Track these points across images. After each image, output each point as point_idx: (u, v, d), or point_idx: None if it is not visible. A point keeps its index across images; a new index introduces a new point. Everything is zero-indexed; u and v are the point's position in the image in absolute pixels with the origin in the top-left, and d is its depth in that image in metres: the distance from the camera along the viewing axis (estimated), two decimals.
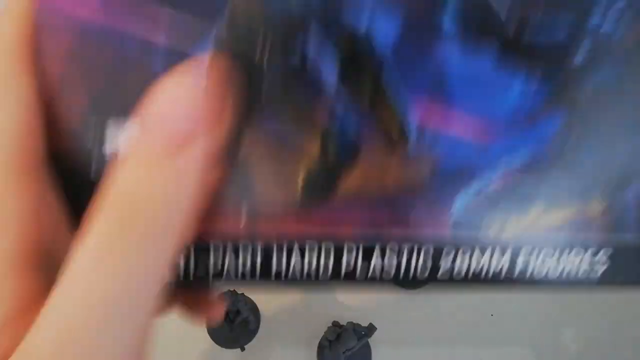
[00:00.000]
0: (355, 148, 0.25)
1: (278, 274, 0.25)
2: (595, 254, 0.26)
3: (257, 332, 0.45)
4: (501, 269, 0.26)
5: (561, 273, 0.27)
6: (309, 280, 0.26)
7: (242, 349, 0.44)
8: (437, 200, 0.26)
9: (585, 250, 0.26)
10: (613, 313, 0.47)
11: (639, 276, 0.27)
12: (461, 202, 0.26)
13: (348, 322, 0.42)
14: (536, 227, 0.26)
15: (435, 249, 0.26)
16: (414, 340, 0.45)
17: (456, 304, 0.47)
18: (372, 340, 0.44)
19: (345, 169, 0.25)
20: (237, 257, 0.25)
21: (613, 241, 0.26)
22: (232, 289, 0.42)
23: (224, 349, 0.44)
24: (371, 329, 0.42)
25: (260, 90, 0.25)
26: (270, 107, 0.25)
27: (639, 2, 0.25)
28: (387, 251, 0.26)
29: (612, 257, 0.26)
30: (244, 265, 0.25)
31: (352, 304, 0.45)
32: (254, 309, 0.46)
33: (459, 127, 0.26)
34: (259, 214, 0.25)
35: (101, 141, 0.24)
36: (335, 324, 0.42)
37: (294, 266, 0.25)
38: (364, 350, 0.44)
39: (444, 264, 0.26)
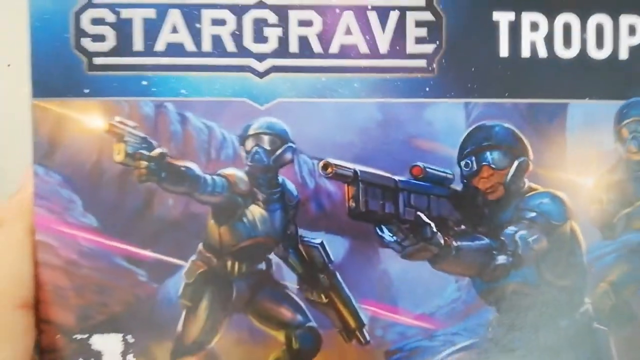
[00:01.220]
0: (317, 337, 0.30)
1: None
2: None
3: None
4: None
5: None
6: None
7: None
8: None
9: None
10: None
11: None
12: None
13: None
14: None
15: None
16: None
17: None
18: None
19: (309, 356, 0.30)
20: None
21: None
22: None
23: None
24: None
25: (232, 294, 0.30)
26: (241, 305, 0.30)
27: (543, 220, 0.29)
28: None
29: None
30: None
31: None
32: None
33: (406, 320, 0.30)
34: None
35: (88, 351, 0.29)
36: None
37: None
38: None
39: None
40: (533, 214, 0.30)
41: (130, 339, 0.29)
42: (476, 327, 0.30)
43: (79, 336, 0.29)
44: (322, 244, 0.30)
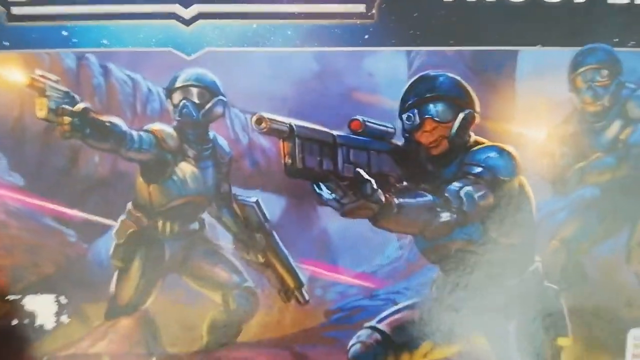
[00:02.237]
0: (254, 298, 0.29)
1: None
2: None
3: None
4: None
5: None
6: None
7: None
8: (333, 340, 0.29)
9: None
10: None
11: None
12: (355, 341, 0.29)
13: None
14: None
15: None
16: None
17: None
18: None
19: (246, 316, 0.29)
20: None
21: None
22: None
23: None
24: None
25: (164, 255, 0.29)
26: (175, 266, 0.29)
27: (490, 175, 0.28)
28: None
29: None
30: None
31: None
32: None
33: (346, 279, 0.29)
34: (166, 358, 0.29)
35: (20, 309, 0.29)
36: None
37: None
38: None
39: None
40: (479, 169, 0.29)
41: (63, 299, 0.29)
42: (419, 286, 0.29)
43: (11, 297, 0.28)
44: (257, 202, 0.28)
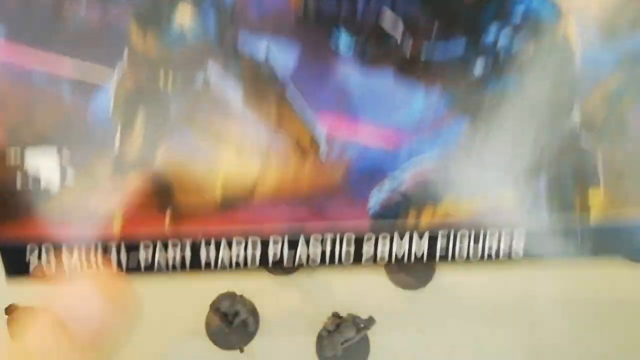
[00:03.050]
0: (268, 154, 0.27)
1: (207, 264, 0.29)
2: (511, 235, 0.28)
3: (255, 333, 0.46)
4: (422, 254, 0.28)
5: (482, 254, 0.28)
6: (238, 269, 0.29)
7: (241, 351, 0.44)
8: (353, 198, 0.28)
9: (500, 232, 0.28)
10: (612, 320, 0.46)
11: (555, 251, 0.28)
12: (376, 199, 0.27)
13: (348, 314, 0.42)
14: (451, 215, 0.28)
15: (356, 237, 0.28)
16: (413, 334, 0.46)
17: (455, 302, 0.47)
18: (371, 334, 0.44)
19: (260, 173, 0.27)
20: (166, 252, 0.28)
21: (527, 222, 0.28)
22: (230, 291, 0.44)
23: (223, 350, 0.45)
24: (370, 321, 0.42)
25: (168, 108, 0.27)
26: (180, 120, 0.27)
27: (531, 20, 0.24)
28: (311, 240, 0.28)
29: (528, 236, 0.28)
30: (174, 259, 0.28)
31: (353, 299, 0.46)
32: (253, 311, 0.46)
33: (367, 136, 0.27)
34: (182, 216, 0.28)
35: (22, 165, 0.27)
36: (335, 315, 0.42)
37: (222, 258, 0.28)
38: (363, 343, 0.44)
39: (367, 249, 0.28)
40: (519, 13, 0.25)
41: (66, 159, 0.27)
42: (446, 140, 0.27)
43: (12, 149, 0.27)
44: (267, 50, 0.25)
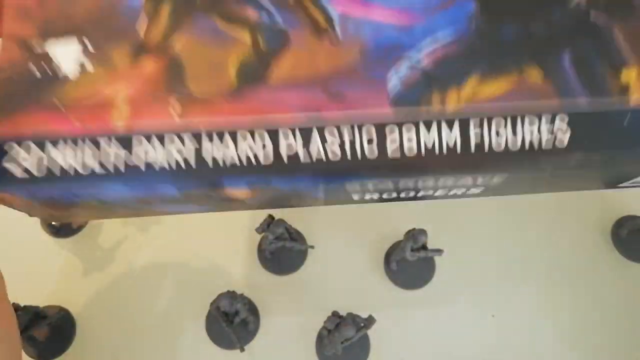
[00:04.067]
0: (285, 36, 0.27)
1: (215, 160, 0.26)
2: (551, 121, 0.26)
3: (256, 332, 0.45)
4: (455, 143, 0.26)
5: (523, 144, 0.26)
6: (251, 166, 0.26)
7: (242, 350, 0.43)
8: (370, 79, 0.27)
9: (539, 118, 0.26)
10: (617, 319, 0.46)
11: (602, 142, 0.26)
12: (395, 79, 0.27)
13: (348, 313, 0.41)
14: (478, 98, 0.26)
15: (377, 128, 0.26)
16: (413, 334, 0.46)
17: (456, 303, 0.47)
18: (371, 333, 0.44)
19: (276, 56, 0.27)
20: (172, 143, 0.26)
21: (565, 108, 0.26)
22: (231, 290, 0.43)
23: (223, 350, 0.45)
24: (370, 320, 0.41)
25: None
26: (205, 5, 0.27)
27: None
28: (326, 133, 0.26)
29: (571, 124, 0.26)
30: (180, 153, 0.26)
31: (353, 299, 0.46)
32: (253, 309, 0.46)
33: (380, 15, 0.28)
34: (192, 101, 0.26)
35: (45, 60, 0.27)
36: (335, 314, 0.42)
37: (231, 155, 0.26)
38: (363, 343, 0.44)
39: (391, 142, 0.26)
40: None
41: (90, 46, 0.27)
42: (457, 19, 0.27)
43: (35, 45, 0.27)
44: None
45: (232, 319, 0.44)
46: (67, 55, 0.27)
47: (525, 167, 0.27)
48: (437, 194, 0.31)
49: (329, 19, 0.27)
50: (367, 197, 0.30)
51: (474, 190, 0.30)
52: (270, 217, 0.45)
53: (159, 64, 0.27)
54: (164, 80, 0.27)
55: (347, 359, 0.44)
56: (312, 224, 0.50)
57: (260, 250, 0.49)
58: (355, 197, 0.30)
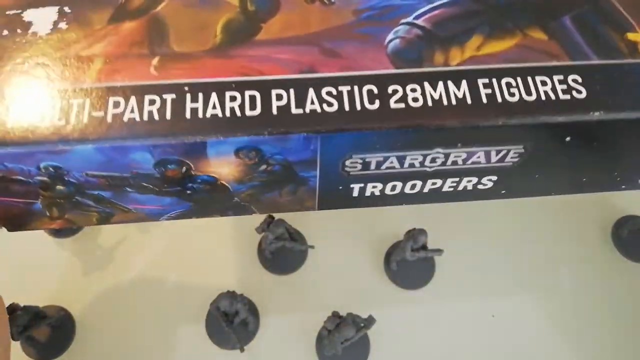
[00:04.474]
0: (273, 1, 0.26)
1: (194, 112, 0.23)
2: (563, 81, 0.25)
3: (256, 332, 0.45)
4: (464, 96, 0.24)
5: (538, 99, 0.24)
6: (236, 121, 0.23)
7: (242, 350, 0.43)
8: (367, 36, 0.25)
9: (550, 76, 0.25)
10: (620, 321, 0.46)
11: (622, 102, 0.25)
12: (393, 37, 0.25)
13: (348, 313, 0.41)
14: (483, 56, 0.25)
15: (378, 88, 0.24)
16: (413, 334, 0.46)
17: (457, 303, 0.47)
18: (371, 333, 0.44)
19: (266, 15, 0.26)
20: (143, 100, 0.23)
21: (577, 68, 0.25)
22: (231, 290, 0.43)
23: (223, 350, 0.44)
24: (370, 320, 0.41)
25: None
26: None
27: None
28: (323, 92, 0.24)
29: (585, 85, 0.25)
30: (153, 104, 0.23)
31: (353, 299, 0.46)
32: (253, 310, 0.46)
33: None
34: (171, 62, 0.25)
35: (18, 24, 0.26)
36: (335, 314, 0.41)
37: (214, 111, 0.23)
38: (363, 343, 0.44)
39: (394, 97, 0.24)
40: None
41: (67, 9, 0.26)
42: None
43: (11, 11, 0.26)
44: None
45: (232, 319, 0.44)
46: (41, 19, 0.26)
47: (542, 128, 0.25)
48: (447, 184, 0.28)
49: None
50: (369, 191, 0.28)
51: (486, 181, 0.28)
52: (270, 217, 0.45)
53: (140, 25, 0.26)
54: (141, 39, 0.25)
55: (347, 359, 0.44)
56: (312, 224, 0.50)
57: (260, 250, 0.49)
58: (355, 190, 0.28)
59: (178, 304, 0.47)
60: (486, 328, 0.46)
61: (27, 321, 0.42)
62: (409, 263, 0.47)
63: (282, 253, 0.48)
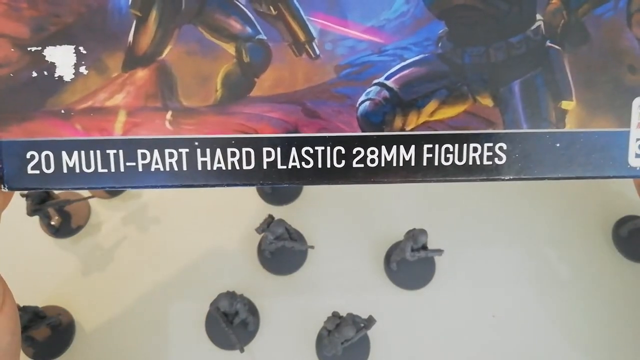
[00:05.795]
0: (267, 50, 0.29)
1: (203, 163, 0.28)
2: (491, 148, 0.29)
3: (256, 332, 0.45)
4: (410, 160, 0.29)
5: (466, 163, 0.29)
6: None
7: (242, 351, 0.43)
8: (343, 97, 0.29)
9: (482, 143, 0.29)
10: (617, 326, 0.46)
11: (546, 167, 0.29)
12: (366, 97, 0.29)
13: (348, 313, 0.42)
14: (434, 122, 0.29)
15: (345, 149, 0.29)
16: (413, 334, 0.46)
17: (457, 303, 0.47)
18: (371, 333, 0.44)
19: (259, 69, 0.29)
20: (164, 153, 0.28)
21: (507, 135, 0.29)
22: (230, 290, 0.43)
23: (223, 350, 0.45)
24: (370, 320, 0.41)
25: (181, 5, 0.28)
26: (190, 16, 0.28)
27: None
28: (303, 153, 0.29)
29: (507, 152, 0.29)
30: (172, 157, 0.28)
31: (353, 299, 0.47)
32: (253, 310, 0.46)
33: (356, 33, 0.29)
34: (182, 112, 0.28)
35: (41, 63, 0.29)
36: (335, 314, 0.42)
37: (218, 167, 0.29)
38: (363, 343, 0.44)
39: (355, 162, 0.29)
40: None
41: (82, 50, 0.28)
42: (426, 41, 0.29)
43: (32, 48, 0.28)
44: None
45: (232, 320, 0.44)
46: (62, 60, 0.29)
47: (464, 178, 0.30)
48: None
49: (309, 34, 0.28)
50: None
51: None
52: (270, 217, 0.46)
53: (151, 74, 0.29)
54: (154, 90, 0.29)
55: None
56: (312, 224, 0.50)
57: (260, 250, 0.49)
58: None
59: (178, 304, 0.47)
60: (486, 328, 0.46)
61: (26, 321, 0.42)
62: (409, 263, 0.47)
63: (282, 253, 0.48)
